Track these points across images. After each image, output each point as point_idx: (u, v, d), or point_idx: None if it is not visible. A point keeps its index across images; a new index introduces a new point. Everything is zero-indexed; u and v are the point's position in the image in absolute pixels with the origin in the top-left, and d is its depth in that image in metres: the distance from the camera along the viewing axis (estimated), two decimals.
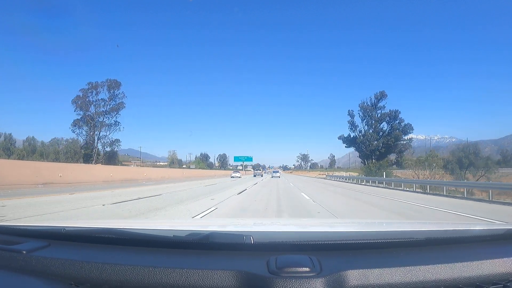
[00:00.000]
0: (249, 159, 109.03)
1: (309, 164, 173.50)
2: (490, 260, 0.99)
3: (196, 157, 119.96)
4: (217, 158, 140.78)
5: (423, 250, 1.10)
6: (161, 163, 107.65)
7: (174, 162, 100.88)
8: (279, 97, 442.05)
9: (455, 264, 0.96)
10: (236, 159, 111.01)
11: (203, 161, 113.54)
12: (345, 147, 53.92)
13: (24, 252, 1.05)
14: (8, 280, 0.97)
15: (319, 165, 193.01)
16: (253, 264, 0.95)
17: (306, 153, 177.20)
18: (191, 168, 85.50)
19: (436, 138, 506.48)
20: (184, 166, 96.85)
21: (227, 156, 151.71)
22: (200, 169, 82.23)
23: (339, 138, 53.57)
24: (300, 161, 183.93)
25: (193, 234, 1.16)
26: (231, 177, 49.08)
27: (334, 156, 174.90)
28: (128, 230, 1.28)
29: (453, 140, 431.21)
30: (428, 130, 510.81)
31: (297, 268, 0.90)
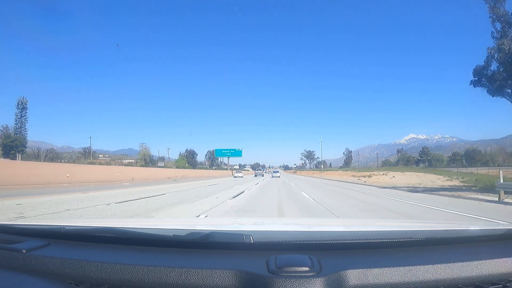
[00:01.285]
0: (237, 153, 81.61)
1: (314, 162, 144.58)
2: (490, 260, 0.98)
3: (180, 154, 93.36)
4: (205, 156, 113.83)
5: (423, 250, 1.09)
6: (128, 161, 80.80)
7: (146, 159, 74.19)
8: (279, 90, 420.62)
9: (455, 264, 0.95)
10: (219, 153, 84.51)
11: (185, 159, 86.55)
12: (487, 92, 19.33)
13: (24, 251, 1.04)
14: (7, 279, 0.96)
15: (328, 164, 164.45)
16: (253, 263, 0.94)
17: (311, 150, 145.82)
18: (160, 167, 58.63)
19: (436, 137, 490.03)
20: (159, 164, 70.01)
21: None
22: (178, 169, 55.72)
23: (476, 72, 19.65)
24: (304, 159, 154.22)
25: (193, 233, 1.14)
26: (234, 177, 48.08)
27: (350, 152, 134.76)
28: (128, 229, 1.27)
29: (454, 139, 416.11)
30: (429, 129, 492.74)
31: (297, 268, 0.89)
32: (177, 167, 68.84)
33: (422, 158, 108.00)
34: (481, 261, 0.97)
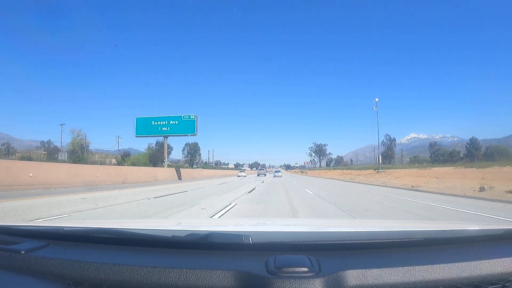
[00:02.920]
0: (185, 126, 33.82)
1: (326, 158, 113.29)
2: (489, 260, 0.97)
3: (149, 147, 62.65)
4: (183, 150, 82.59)
5: (422, 250, 1.08)
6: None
7: (77, 151, 43.65)
8: (277, 90, 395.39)
9: (454, 264, 0.94)
10: (143, 127, 33.72)
11: (149, 154, 55.68)
12: None
13: (23, 252, 1.03)
14: (6, 280, 0.96)
15: (349, 161, 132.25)
16: (252, 264, 0.93)
17: (322, 143, 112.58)
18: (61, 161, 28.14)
19: (437, 137, 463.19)
20: (59, 157, 39.50)
21: (198, 146, 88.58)
22: (113, 166, 26.05)
23: None
24: (313, 155, 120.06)
25: (192, 234, 1.13)
26: (238, 176, 47.28)
27: (394, 140, 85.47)
28: (126, 230, 1.26)
29: (455, 139, 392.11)
30: (430, 129, 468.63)
31: (296, 268, 0.88)
32: (119, 163, 38.79)
33: (469, 153, 75.95)
34: (480, 261, 0.96)
